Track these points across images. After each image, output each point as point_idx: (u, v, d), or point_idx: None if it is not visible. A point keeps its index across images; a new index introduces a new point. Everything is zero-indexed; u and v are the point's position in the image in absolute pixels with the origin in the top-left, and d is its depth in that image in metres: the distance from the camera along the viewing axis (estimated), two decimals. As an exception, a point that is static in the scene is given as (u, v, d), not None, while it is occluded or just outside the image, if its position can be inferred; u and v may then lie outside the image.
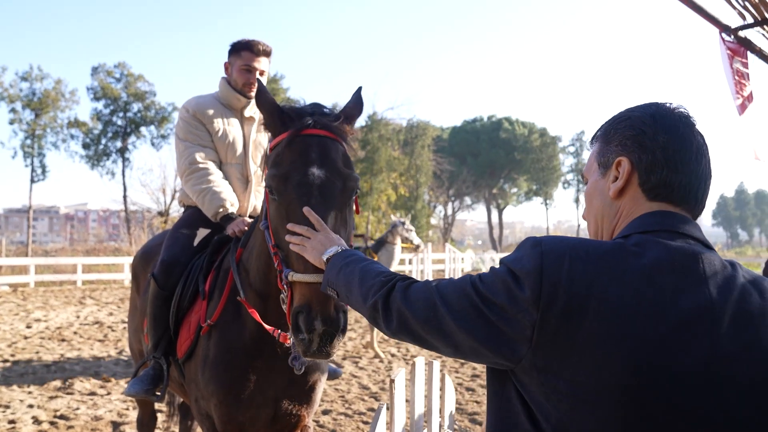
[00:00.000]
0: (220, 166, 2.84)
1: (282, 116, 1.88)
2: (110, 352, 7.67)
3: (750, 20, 3.52)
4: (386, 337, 8.82)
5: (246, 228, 2.48)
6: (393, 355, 7.92)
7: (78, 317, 10.62)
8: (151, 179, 44.04)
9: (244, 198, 2.88)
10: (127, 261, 17.69)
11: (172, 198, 28.51)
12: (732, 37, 3.62)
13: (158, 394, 2.53)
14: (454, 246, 30.64)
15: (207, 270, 2.51)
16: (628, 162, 1.10)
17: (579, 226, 51.51)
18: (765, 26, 3.58)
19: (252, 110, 2.88)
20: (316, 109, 1.90)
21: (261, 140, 2.92)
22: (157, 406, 3.71)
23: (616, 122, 1.16)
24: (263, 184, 2.11)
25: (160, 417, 4.26)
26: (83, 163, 37.08)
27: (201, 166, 2.73)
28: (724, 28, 3.57)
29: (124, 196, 32.21)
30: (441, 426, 3.23)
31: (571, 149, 51.90)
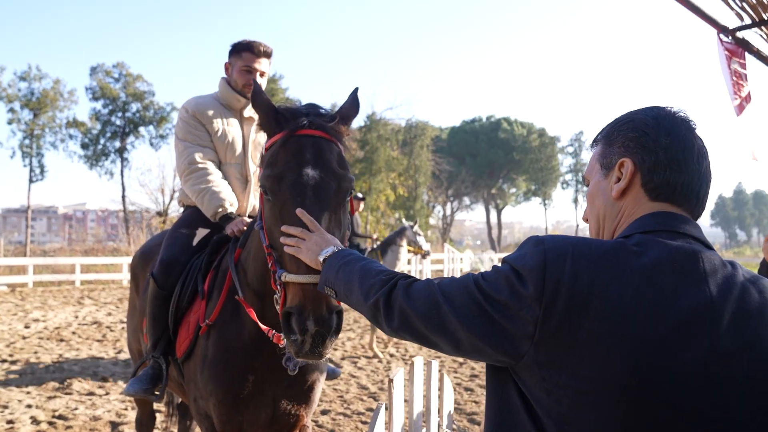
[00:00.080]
0: (220, 166, 2.84)
1: (277, 116, 1.88)
2: (109, 352, 7.66)
3: (748, 21, 3.53)
4: (385, 338, 8.83)
5: (245, 228, 2.49)
6: (392, 355, 7.92)
7: (76, 317, 10.61)
8: (150, 179, 44.04)
9: (243, 198, 2.88)
10: (126, 261, 17.67)
11: (171, 198, 28.49)
12: (730, 37, 3.63)
13: (157, 393, 2.54)
14: (452, 246, 30.65)
15: (206, 270, 2.51)
16: (631, 163, 1.12)
17: (578, 226, 51.55)
18: (763, 27, 3.59)
19: (251, 110, 2.89)
20: (311, 109, 1.90)
21: (260, 140, 2.92)
22: (155, 406, 3.71)
23: (618, 125, 1.18)
24: None
25: (159, 417, 4.26)
26: (82, 163, 36.99)
27: (200, 166, 2.73)
28: (721, 28, 3.58)
29: (123, 196, 32.19)
30: (439, 426, 3.23)
31: (570, 149, 51.95)
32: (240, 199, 2.86)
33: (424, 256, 9.83)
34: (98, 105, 31.91)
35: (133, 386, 2.52)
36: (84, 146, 31.87)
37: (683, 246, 1.03)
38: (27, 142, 28.69)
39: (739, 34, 3.67)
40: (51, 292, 14.82)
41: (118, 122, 32.31)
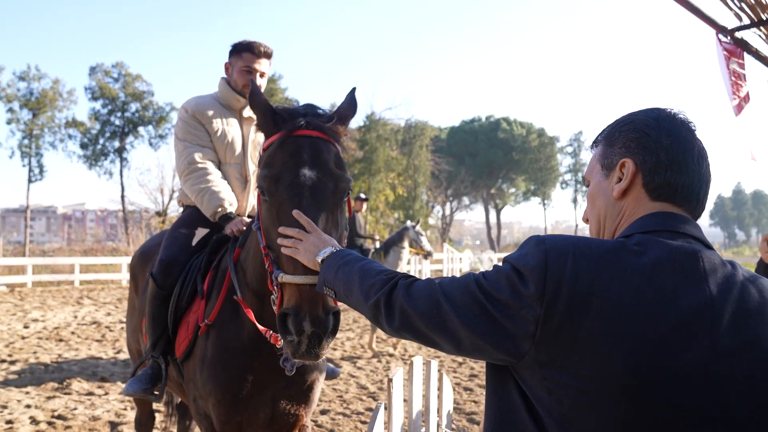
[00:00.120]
0: (219, 165, 2.84)
1: (275, 117, 1.88)
2: (108, 352, 7.66)
3: (746, 21, 3.53)
4: (384, 338, 8.83)
5: (244, 228, 2.49)
6: (391, 355, 7.93)
7: (75, 317, 10.61)
8: (149, 179, 44.15)
9: (243, 198, 2.88)
10: (125, 261, 17.67)
11: (170, 198, 28.47)
12: (728, 38, 3.64)
13: (156, 393, 2.54)
14: (452, 246, 30.65)
15: (205, 269, 2.51)
16: (632, 163, 1.13)
17: (577, 226, 51.56)
18: (761, 27, 3.60)
19: (251, 110, 2.89)
20: (309, 110, 1.90)
21: (260, 140, 2.92)
22: (155, 405, 3.71)
23: (619, 126, 1.19)
24: None
25: (158, 417, 4.26)
26: (81, 163, 36.94)
27: (200, 165, 2.73)
28: (720, 29, 3.58)
29: (122, 196, 32.18)
30: (439, 425, 3.24)
31: (569, 149, 51.96)
32: (239, 198, 2.86)
33: (426, 257, 9.81)
34: (97, 105, 31.91)
35: (133, 386, 2.52)
36: (83, 146, 31.86)
37: (683, 246, 1.03)
38: (26, 141, 28.67)
39: (738, 35, 3.68)
40: (50, 292, 14.81)
41: (117, 122, 32.29)
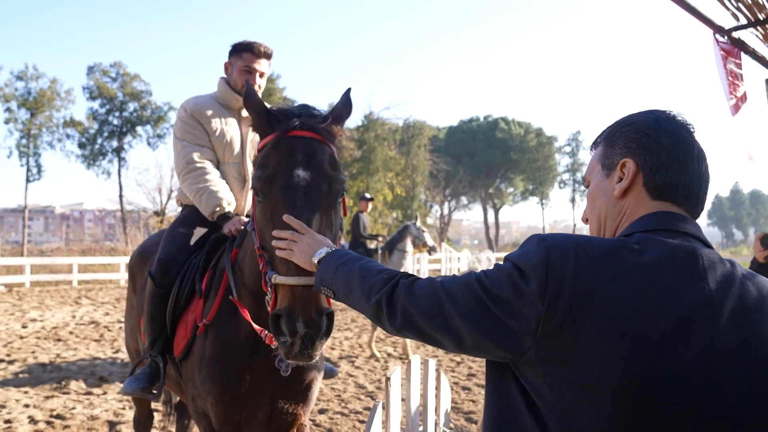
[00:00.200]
0: (218, 165, 2.84)
1: (269, 118, 1.87)
2: (106, 352, 7.66)
3: (743, 21, 3.55)
4: (383, 337, 8.84)
5: (242, 227, 2.49)
6: (389, 355, 7.93)
7: (74, 317, 10.60)
8: (147, 179, 44.02)
9: (241, 197, 2.89)
10: (123, 261, 17.66)
11: (168, 198, 28.45)
12: (726, 38, 3.65)
13: (155, 392, 2.54)
14: (450, 245, 30.67)
15: (204, 269, 2.51)
16: (633, 163, 1.14)
17: (575, 225, 51.63)
18: (758, 27, 3.61)
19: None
20: (303, 110, 1.90)
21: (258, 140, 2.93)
22: (153, 405, 3.71)
23: (619, 126, 1.20)
24: None
25: (157, 416, 4.25)
26: (79, 163, 37.01)
27: (198, 165, 2.74)
28: (717, 29, 3.60)
29: (120, 196, 32.15)
30: (436, 424, 3.24)
31: (567, 149, 52.02)
32: (238, 198, 2.86)
33: (430, 252, 9.81)
34: (95, 104, 31.90)
35: (131, 385, 2.52)
36: (81, 146, 31.83)
37: (683, 244, 1.04)
38: (24, 141, 28.65)
39: (735, 34, 3.69)
40: (48, 292, 14.79)
41: (115, 122, 32.27)
